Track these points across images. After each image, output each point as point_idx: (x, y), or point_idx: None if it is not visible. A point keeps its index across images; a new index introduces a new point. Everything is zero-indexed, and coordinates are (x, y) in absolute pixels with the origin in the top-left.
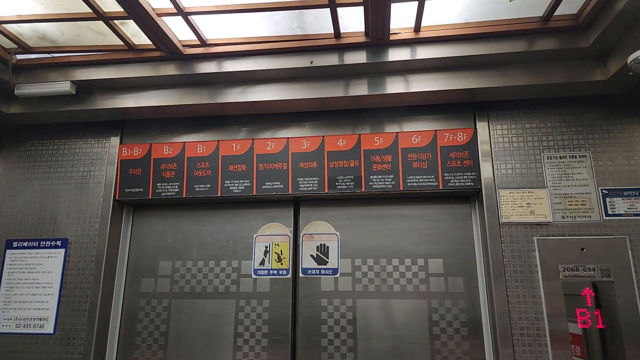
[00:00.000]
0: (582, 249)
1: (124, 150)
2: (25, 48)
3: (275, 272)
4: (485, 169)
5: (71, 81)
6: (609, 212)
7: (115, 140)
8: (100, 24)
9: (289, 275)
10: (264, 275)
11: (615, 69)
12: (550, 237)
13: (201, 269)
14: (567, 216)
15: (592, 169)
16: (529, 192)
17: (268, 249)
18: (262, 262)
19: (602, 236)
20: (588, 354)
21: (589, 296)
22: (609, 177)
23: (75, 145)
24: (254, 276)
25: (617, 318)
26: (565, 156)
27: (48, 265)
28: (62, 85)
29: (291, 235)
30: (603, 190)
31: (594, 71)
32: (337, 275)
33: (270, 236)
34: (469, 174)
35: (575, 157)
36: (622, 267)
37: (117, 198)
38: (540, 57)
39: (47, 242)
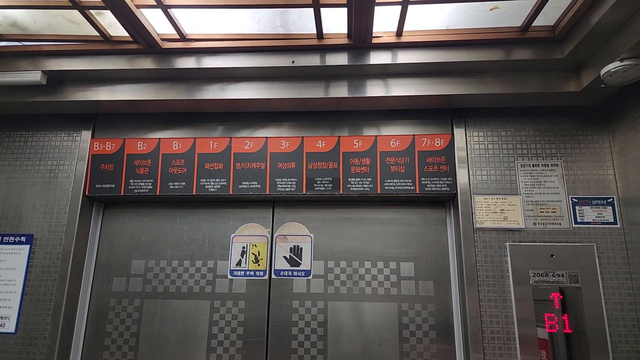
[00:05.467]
0: (552, 255)
1: (96, 144)
2: None
3: (252, 273)
4: (461, 175)
5: (42, 71)
6: (578, 220)
7: (86, 135)
8: (75, 13)
9: (266, 277)
10: (240, 276)
11: (588, 80)
12: (521, 243)
13: (176, 268)
14: (539, 223)
15: (563, 177)
16: (502, 198)
17: (245, 249)
18: (239, 263)
19: (571, 243)
20: (554, 359)
21: (557, 301)
22: (579, 186)
23: (44, 138)
24: (230, 277)
25: (583, 323)
26: (538, 164)
27: (11, 261)
28: (32, 75)
29: (269, 237)
30: (573, 199)
31: (568, 82)
32: (310, 277)
33: (247, 237)
34: (446, 179)
35: (548, 166)
36: (589, 273)
37: (86, 194)
38: (516, 67)
39: (11, 237)
